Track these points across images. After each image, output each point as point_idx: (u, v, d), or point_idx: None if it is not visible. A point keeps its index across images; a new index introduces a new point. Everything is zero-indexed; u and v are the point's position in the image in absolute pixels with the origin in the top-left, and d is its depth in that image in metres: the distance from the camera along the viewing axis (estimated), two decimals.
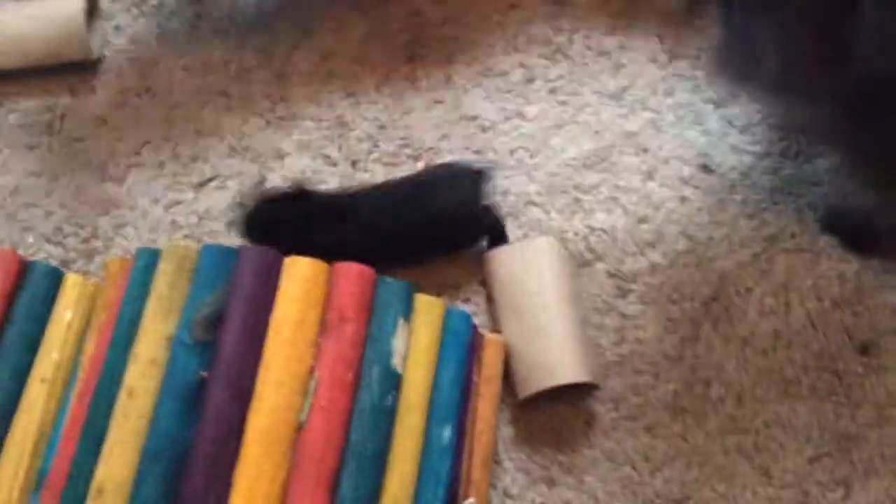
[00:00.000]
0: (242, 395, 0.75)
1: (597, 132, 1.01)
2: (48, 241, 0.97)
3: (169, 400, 0.75)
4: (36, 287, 0.84)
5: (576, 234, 0.96)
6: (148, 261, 0.82)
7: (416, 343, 0.81)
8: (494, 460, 0.86)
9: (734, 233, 0.96)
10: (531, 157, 1.00)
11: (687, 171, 0.99)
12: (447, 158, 1.00)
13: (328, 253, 0.81)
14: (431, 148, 1.01)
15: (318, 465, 0.74)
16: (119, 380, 0.77)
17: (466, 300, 0.93)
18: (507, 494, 0.86)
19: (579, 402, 0.88)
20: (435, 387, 0.80)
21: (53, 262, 0.94)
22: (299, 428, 0.75)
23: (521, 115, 1.03)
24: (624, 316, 0.92)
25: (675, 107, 1.02)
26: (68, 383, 0.80)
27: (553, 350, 0.85)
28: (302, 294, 0.79)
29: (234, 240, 0.93)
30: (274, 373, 0.76)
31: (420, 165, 1.00)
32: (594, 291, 0.93)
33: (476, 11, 1.08)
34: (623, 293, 0.93)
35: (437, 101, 1.03)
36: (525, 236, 0.96)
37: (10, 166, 1.02)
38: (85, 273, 0.94)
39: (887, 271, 0.93)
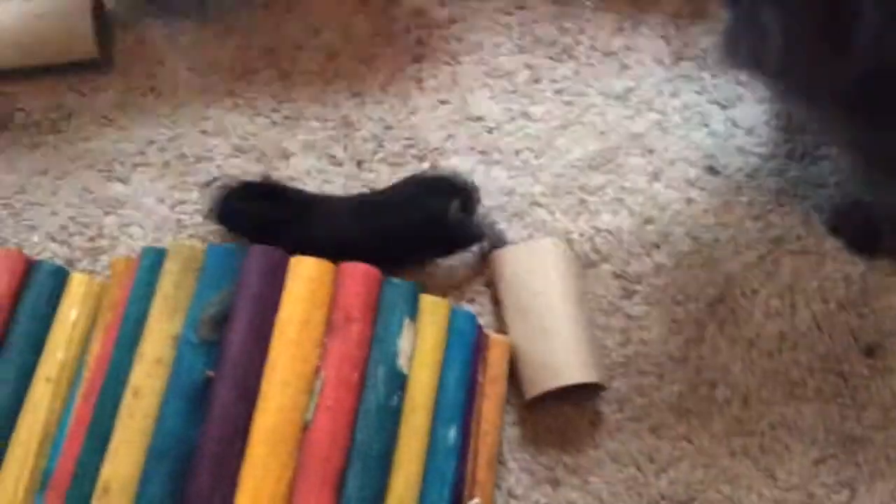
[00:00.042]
0: (248, 394, 0.75)
1: (602, 133, 1.01)
2: (53, 240, 0.97)
3: (175, 399, 0.75)
4: (41, 286, 0.84)
5: (581, 234, 0.96)
6: (154, 260, 0.82)
7: (422, 343, 0.81)
8: (499, 461, 0.86)
9: (740, 234, 0.96)
10: (536, 157, 1.00)
11: (693, 172, 0.99)
12: (452, 159, 1.00)
13: (294, 248, 0.82)
14: (437, 148, 1.01)
15: (324, 464, 0.74)
16: (125, 379, 0.77)
17: (472, 300, 0.93)
18: (511, 495, 0.85)
19: (584, 402, 0.88)
20: (440, 387, 0.80)
21: (59, 262, 0.94)
22: (305, 428, 0.75)
23: (526, 115, 1.02)
24: (629, 317, 0.92)
25: (681, 108, 1.02)
26: (73, 383, 0.80)
27: (559, 351, 0.85)
28: (308, 294, 0.79)
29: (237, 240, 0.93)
30: (280, 372, 0.76)
31: (425, 165, 0.99)
32: (599, 292, 0.93)
33: (482, 12, 1.08)
34: (628, 294, 0.93)
35: (443, 102, 1.03)
36: (530, 237, 0.96)
37: (15, 165, 1.02)
38: (90, 272, 0.94)
39: (893, 273, 0.93)
